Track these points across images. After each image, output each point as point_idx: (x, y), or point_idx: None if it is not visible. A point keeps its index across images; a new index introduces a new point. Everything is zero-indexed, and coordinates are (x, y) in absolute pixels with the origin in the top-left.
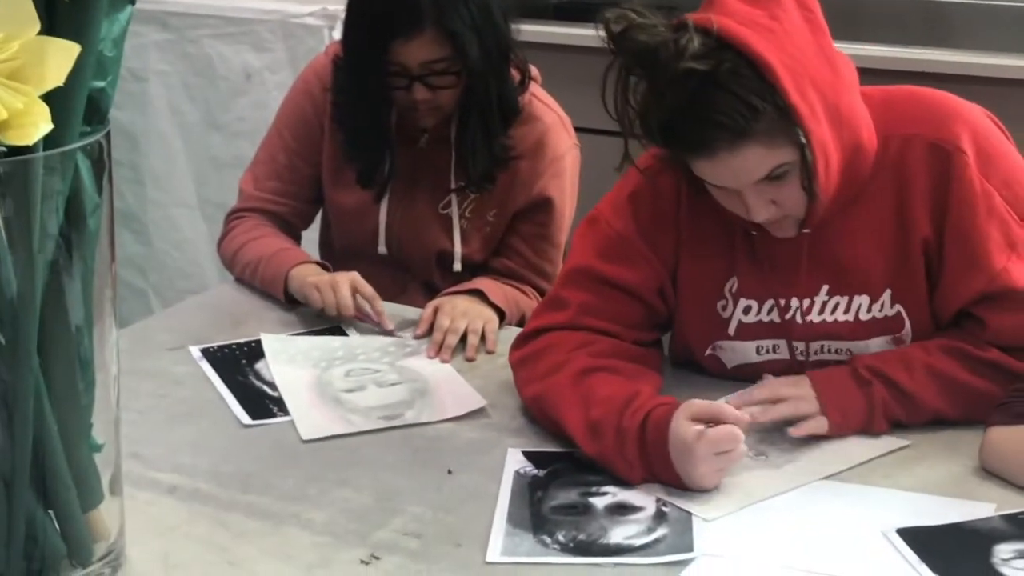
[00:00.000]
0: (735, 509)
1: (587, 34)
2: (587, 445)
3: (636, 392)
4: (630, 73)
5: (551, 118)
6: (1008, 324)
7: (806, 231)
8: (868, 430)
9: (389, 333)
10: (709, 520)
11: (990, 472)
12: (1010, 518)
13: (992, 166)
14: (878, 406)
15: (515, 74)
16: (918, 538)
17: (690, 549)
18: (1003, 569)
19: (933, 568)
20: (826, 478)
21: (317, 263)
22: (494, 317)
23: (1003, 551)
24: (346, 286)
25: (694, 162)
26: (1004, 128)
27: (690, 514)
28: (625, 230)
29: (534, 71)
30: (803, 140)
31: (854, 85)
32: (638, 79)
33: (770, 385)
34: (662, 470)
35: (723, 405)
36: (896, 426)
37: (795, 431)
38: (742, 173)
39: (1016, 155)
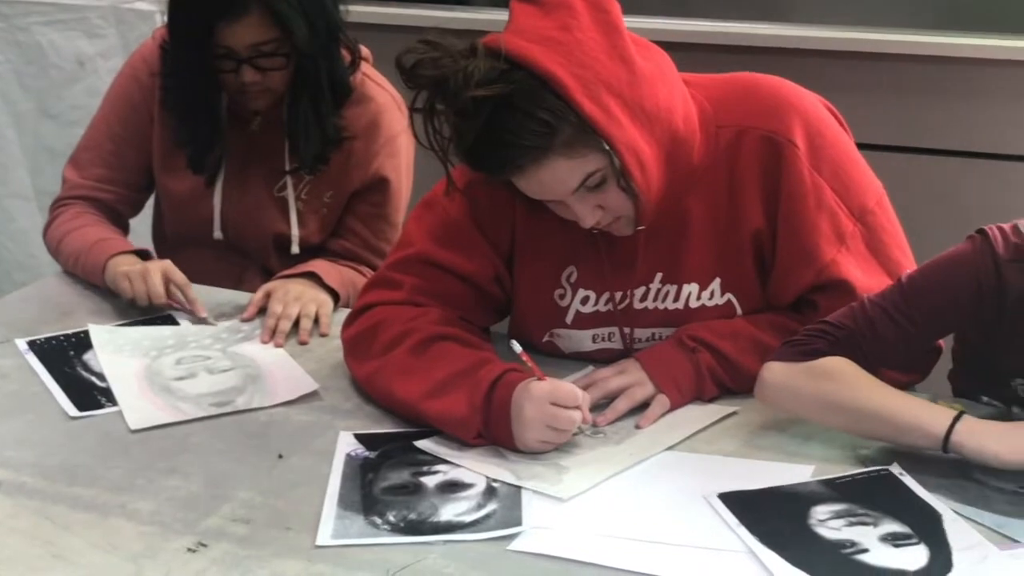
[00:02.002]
0: (589, 487)
1: (423, 14)
2: (427, 404)
3: (488, 357)
4: (434, 104)
5: (384, 98)
6: (836, 310)
7: (642, 228)
8: (701, 396)
9: (203, 321)
10: (565, 500)
11: (762, 402)
12: (827, 482)
13: (823, 159)
14: (705, 371)
15: (346, 55)
16: (738, 502)
17: (519, 523)
18: (818, 529)
19: (752, 530)
20: (667, 449)
21: (137, 252)
22: (328, 300)
23: (819, 512)
24: (157, 275)
25: (509, 180)
26: (841, 117)
27: (519, 488)
28: (460, 217)
29: (365, 51)
30: (607, 147)
31: (664, 76)
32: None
33: (600, 383)
34: (498, 430)
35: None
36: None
37: (643, 422)
38: (555, 186)
39: (849, 146)
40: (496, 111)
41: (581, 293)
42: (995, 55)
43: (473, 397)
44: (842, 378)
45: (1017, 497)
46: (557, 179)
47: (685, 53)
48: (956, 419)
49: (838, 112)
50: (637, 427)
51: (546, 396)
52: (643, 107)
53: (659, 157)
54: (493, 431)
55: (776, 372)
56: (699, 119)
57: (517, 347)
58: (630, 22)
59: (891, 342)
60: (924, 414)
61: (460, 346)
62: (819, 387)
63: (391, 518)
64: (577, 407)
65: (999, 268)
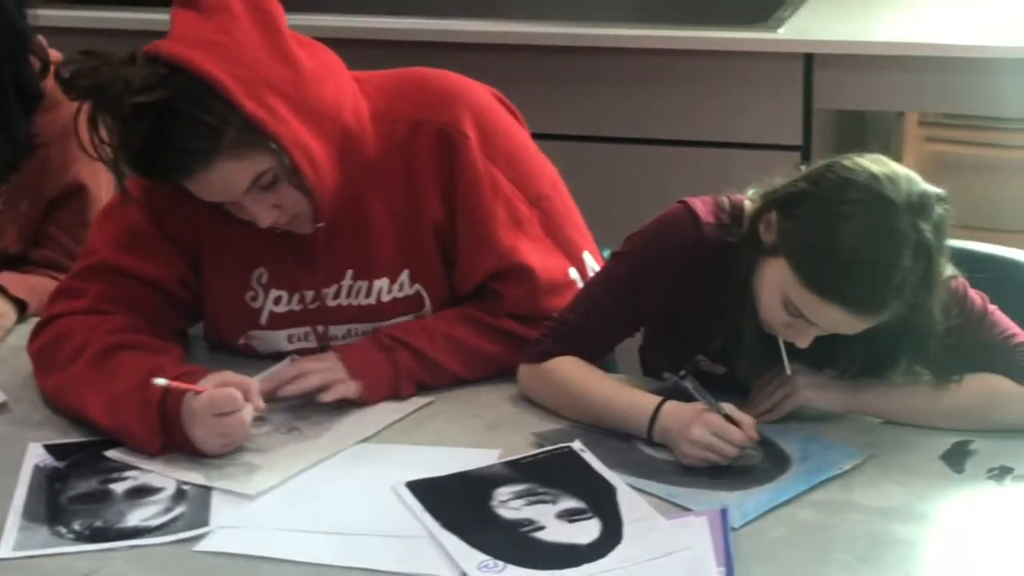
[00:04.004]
0: (277, 483)
1: (121, 17)
2: (108, 421)
3: (159, 365)
4: (96, 114)
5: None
6: (520, 296)
7: (321, 224)
8: (397, 393)
9: None
10: (253, 496)
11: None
12: (511, 463)
13: (496, 147)
14: (403, 371)
15: (35, 61)
16: (424, 489)
17: (206, 524)
18: (499, 510)
19: (436, 516)
20: (360, 441)
21: None
22: (9, 312)
23: (501, 494)
24: None
25: (179, 184)
26: (514, 108)
27: (210, 489)
28: (141, 222)
29: (56, 56)
30: (274, 146)
31: (331, 73)
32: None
33: (297, 364)
34: (178, 437)
35: (235, 376)
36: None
37: (325, 397)
38: (226, 188)
39: (522, 134)
40: (160, 117)
41: (273, 294)
42: (669, 45)
43: (146, 414)
44: (564, 377)
45: (687, 468)
46: (227, 181)
47: (361, 50)
48: (660, 406)
49: (511, 103)
50: (320, 401)
51: (207, 410)
52: (310, 105)
53: (330, 153)
54: (177, 442)
55: (521, 375)
56: (371, 114)
57: (160, 382)
58: (306, 20)
59: (605, 331)
60: (636, 402)
61: (140, 354)
62: (549, 387)
63: (76, 527)
64: (242, 407)
65: (700, 233)
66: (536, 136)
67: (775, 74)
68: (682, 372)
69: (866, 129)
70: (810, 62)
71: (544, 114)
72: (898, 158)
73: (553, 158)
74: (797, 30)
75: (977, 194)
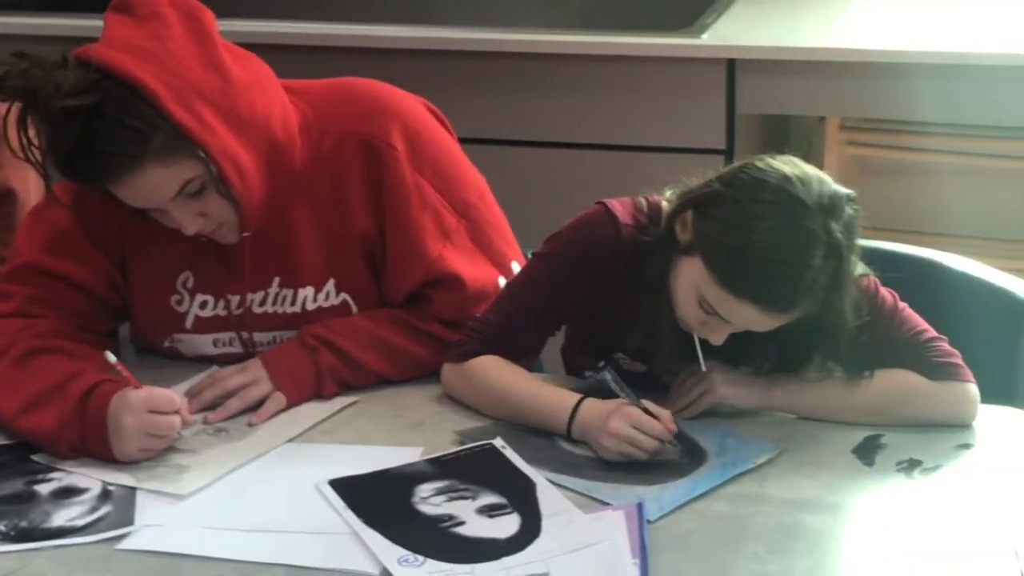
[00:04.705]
0: (206, 483)
1: (60, 23)
2: (20, 422)
3: (82, 369)
4: (26, 116)
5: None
6: (449, 303)
7: (247, 234)
8: (320, 394)
9: None
10: (183, 496)
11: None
12: (433, 460)
13: (424, 159)
14: (326, 371)
15: None
16: (347, 487)
17: (132, 523)
18: (420, 506)
19: (358, 513)
20: (288, 441)
21: None
22: None
23: (423, 490)
24: None
25: (107, 188)
26: (443, 117)
27: (134, 489)
28: (69, 225)
29: None
30: (202, 154)
31: (261, 83)
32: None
33: (219, 382)
34: (93, 439)
35: (164, 391)
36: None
37: (256, 419)
38: (152, 194)
39: (450, 145)
40: (89, 121)
41: (199, 298)
42: (595, 51)
43: (62, 412)
44: (486, 376)
45: (605, 463)
46: (153, 187)
47: (294, 56)
48: (579, 403)
49: (440, 113)
50: (250, 424)
51: (143, 404)
52: (239, 114)
53: (258, 164)
54: (89, 444)
55: (445, 375)
56: (300, 125)
57: (111, 358)
58: (239, 26)
59: (527, 330)
60: (556, 399)
61: (63, 358)
62: (471, 386)
63: (2, 527)
64: (175, 412)
65: (618, 233)
66: (466, 141)
67: (699, 79)
68: (601, 363)
69: (791, 133)
70: (733, 68)
71: (473, 119)
72: (820, 162)
73: (483, 163)
74: (720, 36)
75: (897, 196)
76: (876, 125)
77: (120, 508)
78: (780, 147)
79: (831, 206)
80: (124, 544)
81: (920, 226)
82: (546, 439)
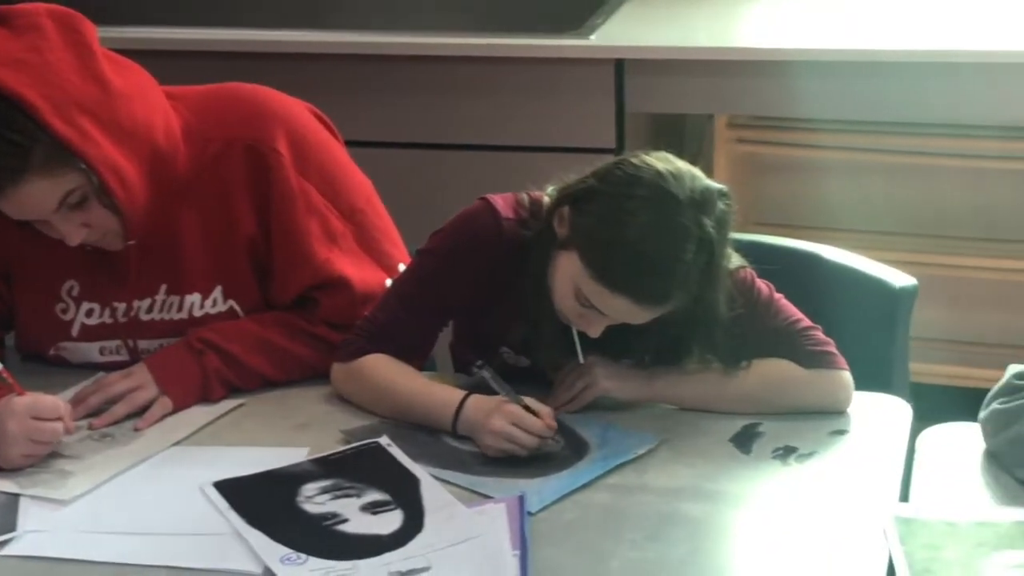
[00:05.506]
0: (91, 488)
1: None
2: None
3: None
4: None
5: None
6: (337, 306)
7: (132, 242)
8: (207, 398)
9: None
10: (67, 501)
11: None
12: (318, 460)
13: (309, 164)
14: (212, 374)
15: None
16: (231, 488)
17: (13, 529)
18: (305, 505)
19: (241, 514)
20: (173, 445)
21: None
22: None
23: (308, 489)
24: None
25: None
26: (329, 122)
27: (17, 496)
28: None
29: None
30: (83, 165)
31: (142, 92)
32: None
33: (104, 387)
34: None
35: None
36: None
37: (142, 424)
38: (35, 206)
39: (337, 149)
40: None
41: (85, 306)
42: (485, 53)
43: None
44: (372, 374)
45: (490, 458)
46: (35, 200)
47: (181, 61)
48: (464, 400)
49: (327, 118)
50: (136, 429)
51: (27, 410)
52: (119, 124)
53: (141, 172)
54: None
55: (333, 374)
56: (184, 132)
57: None
58: (127, 33)
59: (413, 327)
60: (441, 396)
61: None
62: (359, 385)
63: None
64: (59, 418)
65: (499, 227)
66: (355, 144)
67: (588, 80)
68: (479, 363)
69: (685, 131)
70: (621, 68)
71: (363, 122)
72: (709, 160)
73: (372, 165)
74: (608, 37)
75: (785, 192)
76: (763, 123)
77: (2, 514)
78: (674, 145)
79: (703, 201)
80: (5, 550)
81: (808, 221)
82: (432, 436)
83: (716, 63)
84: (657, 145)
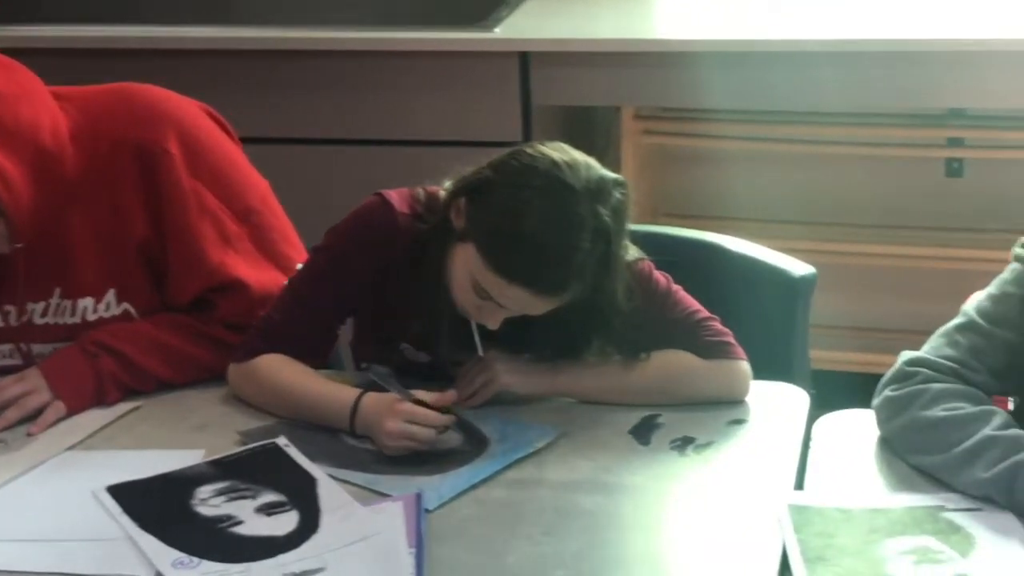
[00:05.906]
0: None
1: None
2: None
3: None
4: None
5: None
6: (235, 308)
7: (19, 245)
8: (102, 401)
9: None
10: None
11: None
12: (214, 462)
13: (202, 165)
14: (106, 377)
15: None
16: (125, 492)
17: None
18: (199, 508)
19: (134, 518)
20: (67, 449)
21: None
22: None
23: (202, 492)
24: None
25: None
26: (224, 122)
27: None
28: None
29: None
30: None
31: (27, 93)
32: None
33: None
34: None
35: None
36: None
37: (35, 429)
38: None
39: (231, 149)
40: None
41: None
42: (387, 47)
43: None
44: (269, 375)
45: (387, 457)
46: None
47: (74, 60)
48: (359, 399)
49: (221, 118)
50: (29, 434)
51: None
52: (3, 125)
53: (26, 174)
54: None
55: (230, 375)
56: (72, 133)
57: None
58: (23, 31)
59: (310, 325)
60: (338, 396)
61: None
62: (256, 385)
63: None
64: None
65: (394, 221)
66: (254, 141)
67: (493, 73)
68: (364, 364)
69: (594, 124)
70: (527, 60)
71: (262, 119)
72: (617, 151)
73: (272, 162)
74: (513, 30)
75: (692, 183)
76: (670, 114)
77: None
78: (584, 137)
79: (598, 190)
80: None
81: (716, 211)
82: (331, 435)
83: (621, 55)
84: (565, 138)
